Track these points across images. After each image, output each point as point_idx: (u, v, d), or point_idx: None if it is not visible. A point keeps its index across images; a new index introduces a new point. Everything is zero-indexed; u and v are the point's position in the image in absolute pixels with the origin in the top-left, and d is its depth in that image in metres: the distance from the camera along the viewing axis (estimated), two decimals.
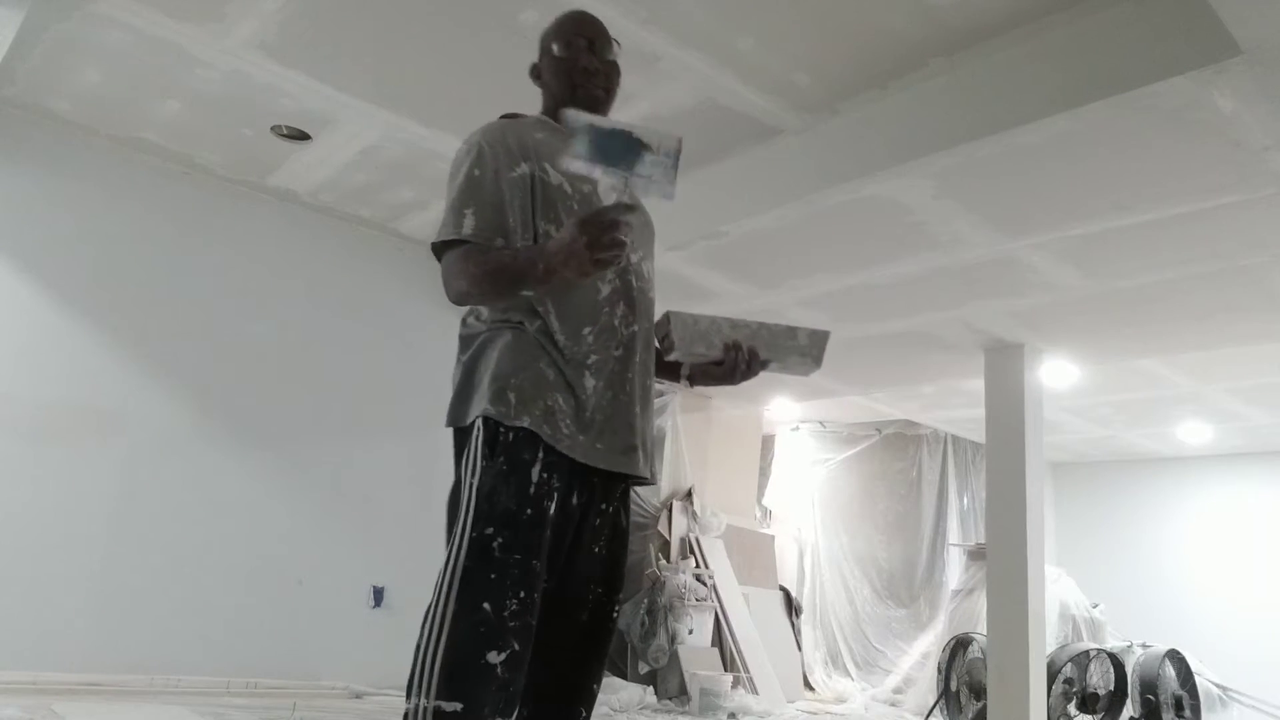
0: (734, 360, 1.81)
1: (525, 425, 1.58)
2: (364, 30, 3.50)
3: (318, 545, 5.01)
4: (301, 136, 4.40)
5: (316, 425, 5.14)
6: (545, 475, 1.59)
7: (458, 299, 1.65)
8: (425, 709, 1.46)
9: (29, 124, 4.42)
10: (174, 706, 3.98)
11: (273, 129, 4.35)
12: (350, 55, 3.68)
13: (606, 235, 1.45)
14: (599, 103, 1.86)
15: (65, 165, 4.52)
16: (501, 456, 1.57)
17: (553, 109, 1.88)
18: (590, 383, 1.67)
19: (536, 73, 1.95)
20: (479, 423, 1.60)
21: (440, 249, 1.66)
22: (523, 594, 1.52)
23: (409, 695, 1.49)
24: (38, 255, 4.40)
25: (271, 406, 4.99)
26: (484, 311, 1.71)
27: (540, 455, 1.59)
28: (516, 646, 1.51)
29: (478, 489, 1.56)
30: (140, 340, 4.64)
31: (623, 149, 1.51)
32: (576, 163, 1.50)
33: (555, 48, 1.89)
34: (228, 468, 4.80)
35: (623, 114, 3.88)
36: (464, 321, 1.75)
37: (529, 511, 1.56)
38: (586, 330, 1.68)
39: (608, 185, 1.61)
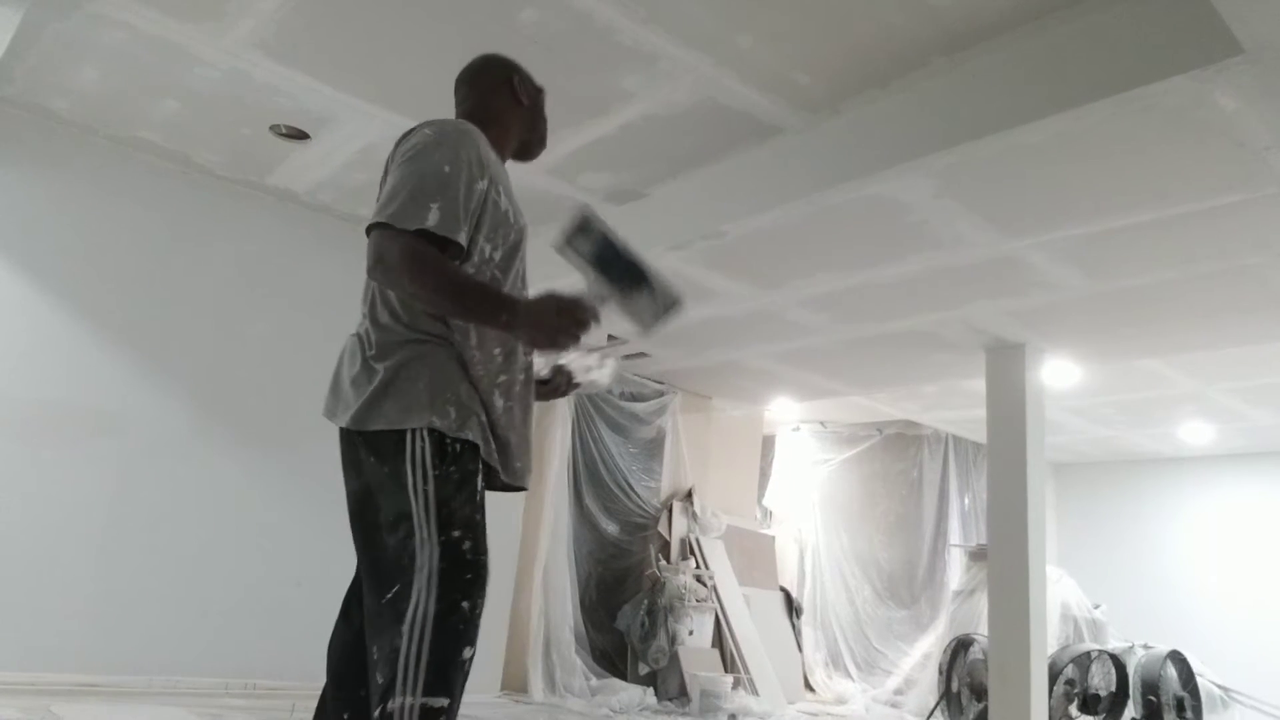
0: (556, 384, 2.04)
1: (469, 438, 1.66)
2: (363, 29, 3.49)
3: (317, 545, 4.99)
4: (300, 136, 4.39)
5: (315, 425, 5.08)
6: (482, 485, 1.70)
7: (392, 286, 1.67)
8: (412, 706, 1.51)
9: (27, 123, 4.42)
10: (172, 707, 3.97)
11: (271, 128, 4.34)
12: (349, 54, 3.67)
13: (579, 328, 1.56)
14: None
15: (63, 164, 4.51)
16: (452, 466, 1.64)
17: (503, 140, 2.01)
18: (499, 402, 1.75)
19: (511, 94, 2.03)
20: (422, 433, 1.63)
21: (380, 227, 1.63)
22: (485, 592, 1.63)
23: (392, 694, 1.52)
24: (35, 254, 4.39)
25: (270, 406, 4.98)
26: (404, 316, 1.72)
27: (480, 467, 1.69)
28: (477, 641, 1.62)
29: (436, 496, 1.61)
30: (138, 340, 4.63)
31: (624, 272, 1.60)
32: (575, 258, 1.58)
33: (535, 93, 2.08)
34: (226, 468, 4.79)
35: (621, 115, 3.88)
36: (377, 321, 1.75)
37: (479, 517, 1.66)
38: (496, 351, 1.76)
39: (595, 292, 1.64)
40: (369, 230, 1.66)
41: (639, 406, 7.05)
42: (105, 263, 4.58)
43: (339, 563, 5.12)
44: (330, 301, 5.27)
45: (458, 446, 1.65)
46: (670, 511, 7.07)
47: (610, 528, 6.75)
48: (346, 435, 1.73)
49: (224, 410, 4.84)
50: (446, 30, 3.43)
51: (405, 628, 1.54)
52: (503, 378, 1.76)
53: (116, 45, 3.74)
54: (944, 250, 4.30)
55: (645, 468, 7.04)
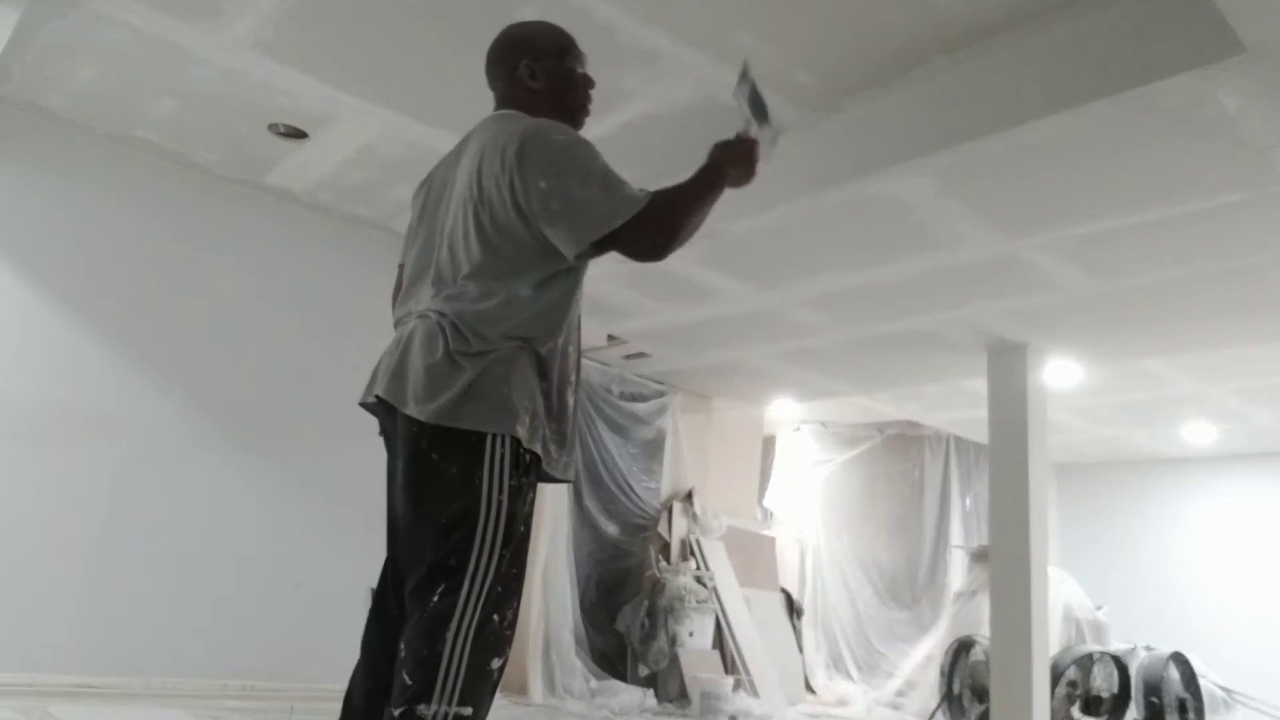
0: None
1: (536, 450, 1.69)
2: (362, 28, 3.47)
3: (316, 546, 4.99)
4: (299, 135, 4.37)
5: (314, 425, 5.11)
6: (534, 496, 1.74)
7: (674, 247, 1.71)
8: (445, 714, 1.53)
9: (24, 122, 4.40)
10: (170, 709, 3.96)
11: (270, 127, 4.33)
12: (348, 53, 3.66)
13: (757, 158, 1.86)
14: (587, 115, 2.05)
15: (61, 163, 4.50)
16: (524, 477, 1.67)
17: (553, 113, 1.91)
18: (570, 400, 1.79)
19: (530, 72, 1.94)
20: (505, 439, 1.63)
21: (617, 234, 1.66)
22: (518, 604, 1.69)
23: (427, 700, 1.52)
24: (32, 253, 4.38)
25: (269, 406, 4.97)
26: (493, 316, 1.69)
27: (535, 479, 1.73)
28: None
29: (508, 506, 1.63)
30: (136, 340, 4.61)
31: (761, 111, 1.94)
32: (740, 102, 1.94)
33: (572, 61, 1.98)
34: (224, 468, 4.78)
35: (621, 114, 3.87)
36: (463, 316, 1.69)
37: (526, 530, 1.71)
38: (571, 349, 1.80)
39: (747, 129, 1.93)
40: (604, 239, 1.66)
41: (639, 407, 7.03)
42: (103, 262, 4.57)
43: (338, 563, 5.14)
44: (330, 301, 5.27)
45: (528, 457, 1.67)
46: (670, 512, 7.05)
47: (610, 529, 6.74)
48: (410, 423, 1.66)
49: (223, 410, 4.82)
50: (445, 29, 3.41)
51: (450, 635, 1.55)
52: (573, 376, 1.81)
53: (114, 44, 3.73)
54: (945, 250, 4.29)
55: (645, 468, 7.03)
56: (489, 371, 1.64)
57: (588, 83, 2.01)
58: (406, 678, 1.54)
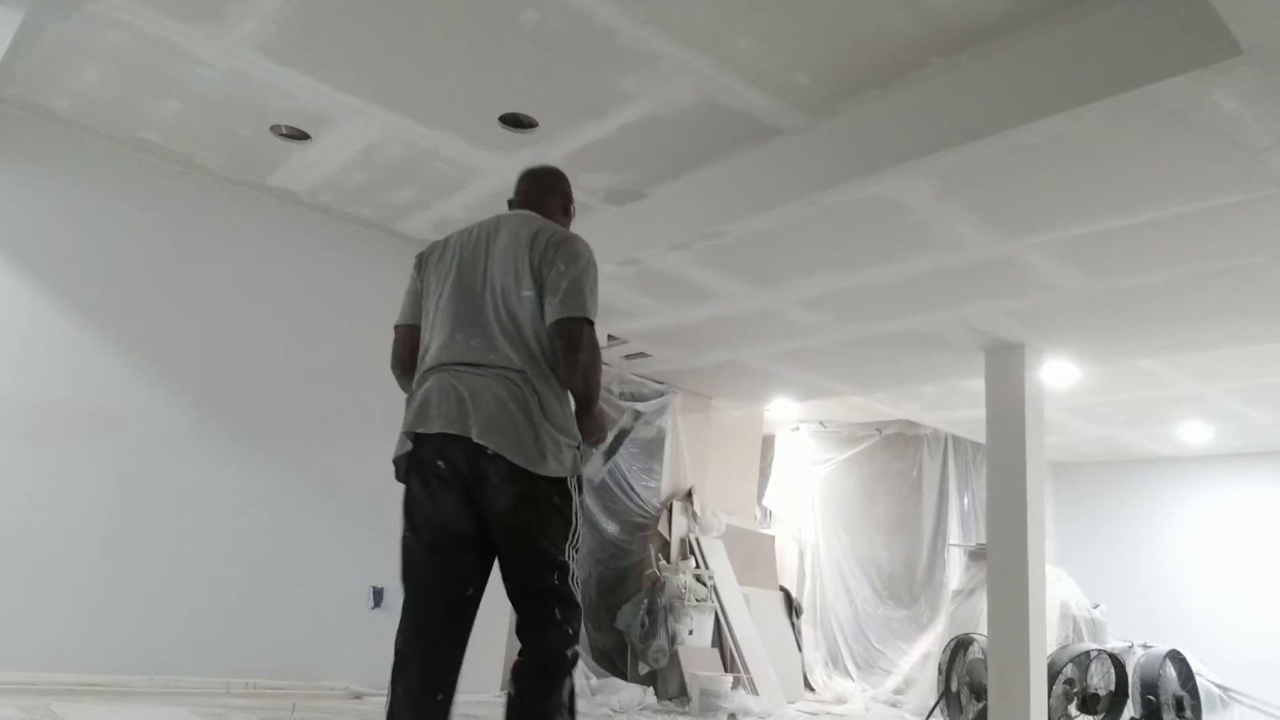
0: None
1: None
2: (364, 30, 3.49)
3: (317, 545, 5.00)
4: (301, 136, 4.39)
5: (316, 425, 5.13)
6: None
7: (589, 370, 2.23)
8: (578, 653, 2.23)
9: (28, 123, 4.42)
10: (173, 707, 3.97)
11: (272, 128, 4.34)
12: (350, 55, 3.67)
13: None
14: None
15: (64, 165, 4.51)
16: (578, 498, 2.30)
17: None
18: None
19: (565, 209, 2.62)
20: (577, 478, 2.27)
21: (581, 322, 2.21)
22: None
23: (574, 640, 2.20)
24: (36, 254, 4.40)
25: (271, 406, 4.99)
26: (560, 386, 2.26)
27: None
28: None
29: (579, 528, 2.27)
30: (139, 340, 4.63)
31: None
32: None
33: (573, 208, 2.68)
34: (227, 467, 4.79)
35: (621, 115, 3.89)
36: (545, 382, 2.22)
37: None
38: None
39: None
40: (567, 321, 2.22)
41: (639, 406, 7.05)
42: (106, 263, 4.58)
43: (340, 562, 5.14)
44: (330, 301, 5.29)
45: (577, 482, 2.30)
46: (670, 511, 7.07)
47: (610, 527, 6.76)
48: (516, 469, 2.14)
49: (225, 409, 4.84)
50: (447, 31, 3.43)
51: (577, 612, 2.23)
52: None
53: (117, 46, 3.75)
54: (943, 250, 4.31)
55: (645, 467, 7.05)
56: (567, 429, 2.23)
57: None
58: (567, 629, 2.20)
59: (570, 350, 2.18)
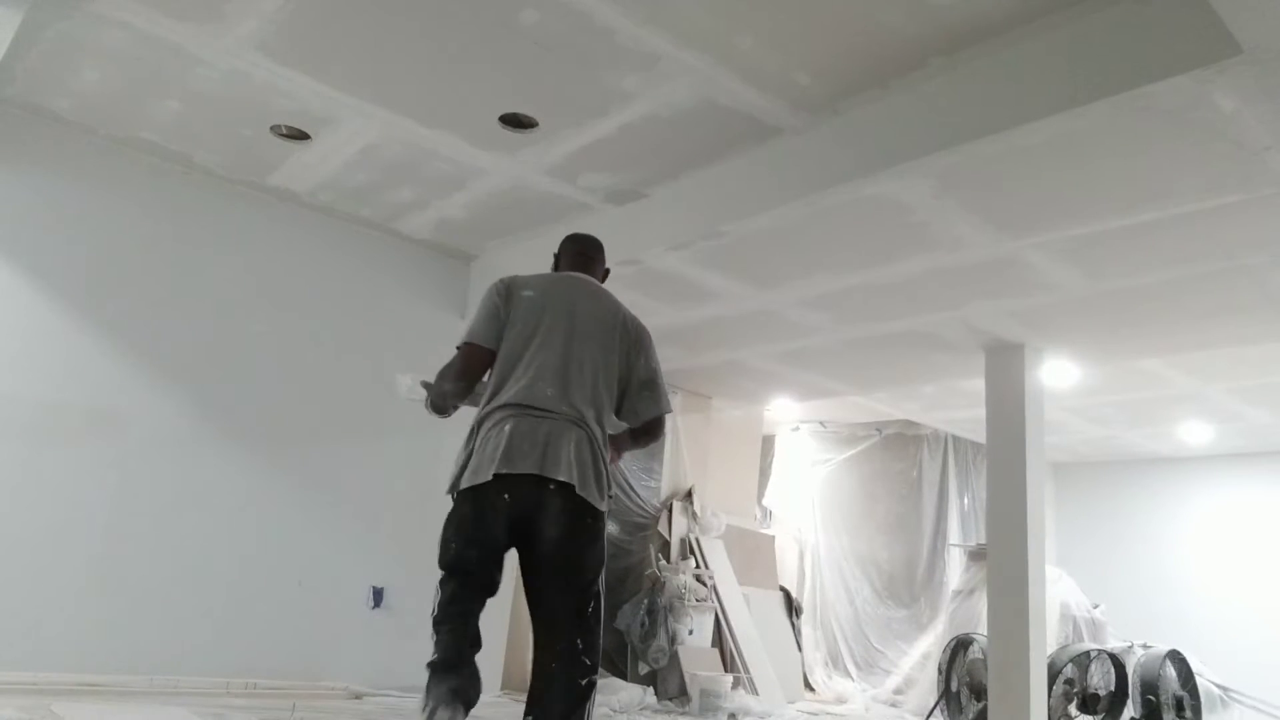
0: None
1: None
2: (364, 30, 3.49)
3: (318, 545, 5.00)
4: (301, 136, 4.39)
5: (316, 425, 5.13)
6: None
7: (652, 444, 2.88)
8: (595, 682, 2.44)
9: (28, 123, 4.42)
10: (173, 707, 3.97)
11: (272, 129, 4.34)
12: (350, 55, 3.68)
13: None
14: None
15: (64, 165, 4.51)
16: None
17: None
18: None
19: (605, 276, 2.92)
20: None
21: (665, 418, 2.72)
22: None
23: (594, 670, 2.43)
24: (36, 254, 4.40)
25: (271, 406, 4.99)
26: (606, 439, 2.60)
27: None
28: None
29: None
30: (139, 340, 4.63)
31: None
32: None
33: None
34: (227, 468, 4.80)
35: (621, 115, 3.89)
36: (603, 436, 2.56)
37: None
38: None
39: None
40: (663, 417, 2.72)
41: None
42: (106, 263, 4.59)
43: (340, 562, 5.14)
44: (330, 301, 5.29)
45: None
46: (670, 511, 7.07)
47: (610, 527, 6.75)
48: (585, 504, 2.47)
49: (224, 410, 4.84)
50: (447, 31, 3.43)
51: (600, 630, 2.53)
52: None
53: (117, 46, 3.75)
54: (943, 250, 4.31)
55: (645, 467, 7.05)
56: (611, 473, 2.60)
57: None
58: (585, 660, 2.42)
59: (654, 438, 2.74)
